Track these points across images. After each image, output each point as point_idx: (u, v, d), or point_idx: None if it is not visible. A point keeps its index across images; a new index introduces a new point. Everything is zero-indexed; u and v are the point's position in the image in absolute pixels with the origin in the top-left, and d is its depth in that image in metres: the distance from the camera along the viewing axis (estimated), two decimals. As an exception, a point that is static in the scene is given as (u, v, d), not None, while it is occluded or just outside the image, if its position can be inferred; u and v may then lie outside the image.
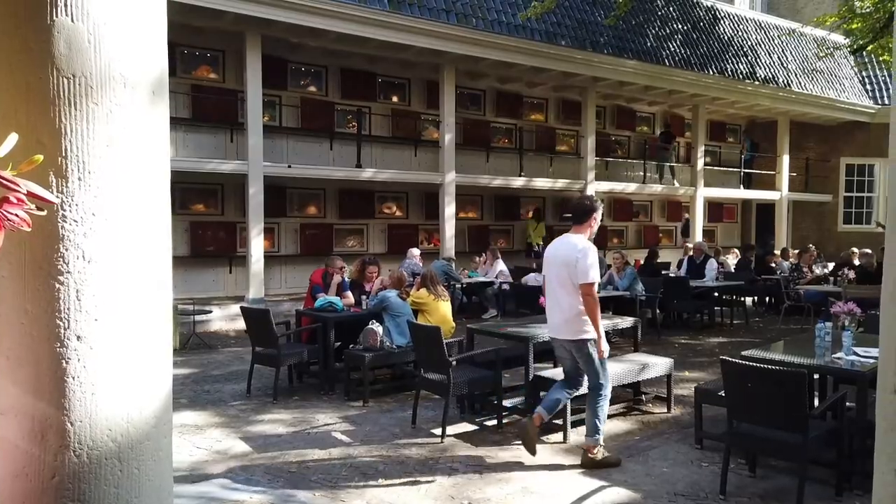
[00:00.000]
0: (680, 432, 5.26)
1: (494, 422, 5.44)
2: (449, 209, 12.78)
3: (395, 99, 13.93)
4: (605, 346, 4.55)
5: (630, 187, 15.94)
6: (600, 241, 15.56)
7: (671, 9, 15.55)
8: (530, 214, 15.14)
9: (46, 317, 1.60)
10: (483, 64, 12.94)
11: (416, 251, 11.40)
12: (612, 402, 5.89)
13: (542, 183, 14.49)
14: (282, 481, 4.34)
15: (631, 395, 6.03)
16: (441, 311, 6.71)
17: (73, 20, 1.61)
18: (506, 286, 11.13)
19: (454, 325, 6.97)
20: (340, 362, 6.72)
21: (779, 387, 3.78)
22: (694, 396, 5.06)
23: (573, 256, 4.40)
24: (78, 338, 1.61)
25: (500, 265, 11.59)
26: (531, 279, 9.19)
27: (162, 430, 1.78)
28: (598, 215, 4.57)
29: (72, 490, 1.60)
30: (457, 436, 5.21)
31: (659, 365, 5.86)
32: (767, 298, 12.49)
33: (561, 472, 4.51)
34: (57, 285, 1.60)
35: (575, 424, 5.19)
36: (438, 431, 5.19)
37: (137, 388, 1.71)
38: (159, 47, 1.80)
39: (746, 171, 18.49)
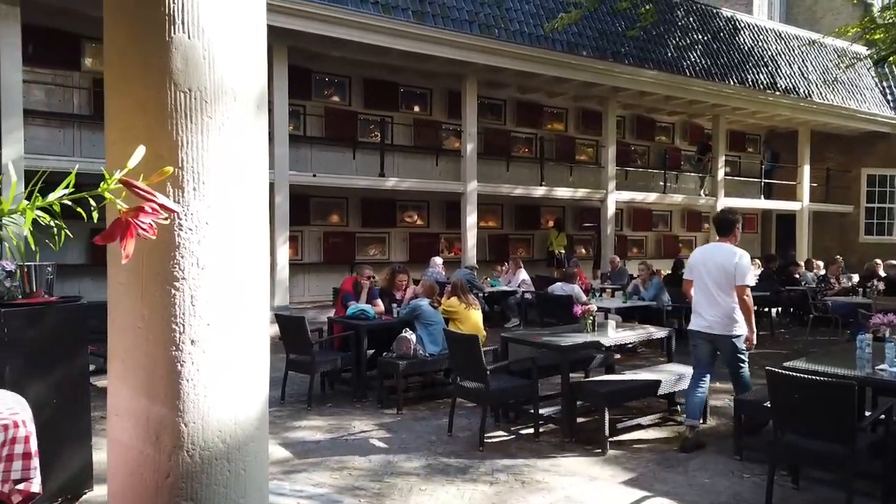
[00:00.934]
0: (718, 443, 5.25)
1: (531, 430, 5.46)
2: (471, 218, 12.84)
3: (416, 109, 14.05)
4: (755, 339, 5.24)
5: (650, 197, 15.93)
6: (621, 251, 15.56)
7: (691, 19, 15.61)
8: (551, 224, 15.17)
9: (162, 322, 1.67)
10: (504, 74, 13.03)
11: (438, 260, 11.47)
12: (647, 413, 5.96)
13: (562, 192, 14.53)
14: (326, 487, 4.39)
15: (665, 406, 6.03)
16: (472, 319, 6.75)
17: (189, 37, 1.68)
18: (528, 295, 11.16)
19: (485, 333, 7.00)
20: (372, 370, 6.77)
21: (827, 398, 3.78)
22: (733, 407, 5.06)
23: (732, 262, 5.02)
24: (192, 342, 1.67)
25: (523, 274, 11.62)
26: (557, 289, 9.20)
27: (262, 433, 1.83)
28: (740, 226, 5.32)
29: (185, 490, 1.65)
30: (494, 444, 5.23)
31: (694, 375, 5.85)
32: (792, 310, 12.41)
33: (601, 482, 4.52)
34: (173, 291, 1.67)
35: (612, 434, 5.19)
36: (475, 440, 5.21)
37: (243, 390, 1.77)
38: (262, 63, 1.87)
39: (767, 181, 18.45)
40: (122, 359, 1.71)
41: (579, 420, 5.59)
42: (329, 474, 4.62)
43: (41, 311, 3.66)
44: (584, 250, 16.43)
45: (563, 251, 14.47)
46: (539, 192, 14.22)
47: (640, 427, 5.65)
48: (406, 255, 13.71)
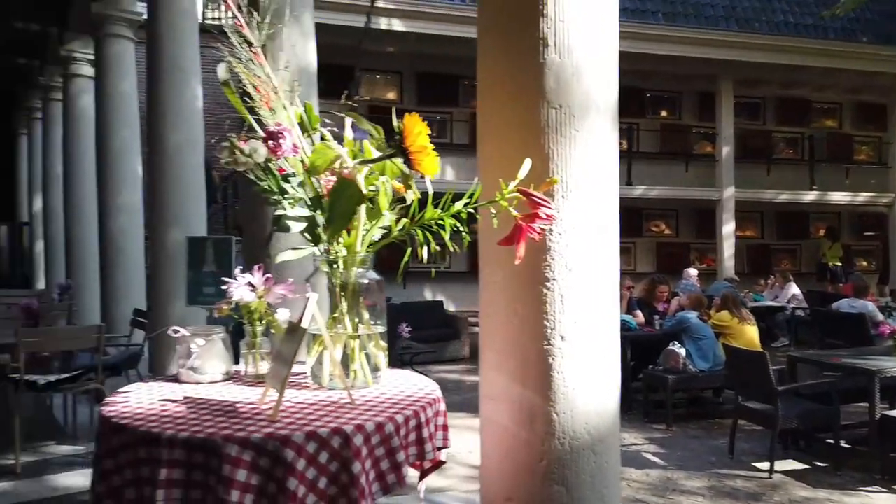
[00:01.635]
0: None
1: (827, 461, 4.89)
2: (727, 227, 11.99)
3: (664, 113, 13.53)
4: None
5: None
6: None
7: None
8: (822, 232, 13.50)
9: (535, 318, 1.83)
10: (765, 70, 12.00)
11: (693, 271, 10.83)
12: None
13: (838, 197, 12.87)
14: (606, 495, 4.39)
15: None
16: (748, 335, 6.27)
17: (560, 57, 1.83)
18: (799, 312, 10.05)
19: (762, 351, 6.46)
20: (633, 382, 6.63)
21: None
22: None
23: None
24: (562, 338, 1.81)
25: (793, 289, 10.49)
26: (845, 305, 8.12)
27: (617, 429, 1.91)
28: None
29: (556, 475, 1.79)
30: (785, 472, 4.78)
31: None
32: None
33: (932, 529, 3.88)
34: (544, 291, 1.82)
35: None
36: (762, 465, 4.81)
37: (603, 385, 1.86)
38: (616, 76, 1.96)
39: None
40: (497, 350, 1.91)
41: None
42: (606, 483, 4.61)
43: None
44: (864, 263, 14.31)
45: (838, 263, 12.75)
46: (809, 196, 12.77)
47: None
48: (653, 265, 13.22)
